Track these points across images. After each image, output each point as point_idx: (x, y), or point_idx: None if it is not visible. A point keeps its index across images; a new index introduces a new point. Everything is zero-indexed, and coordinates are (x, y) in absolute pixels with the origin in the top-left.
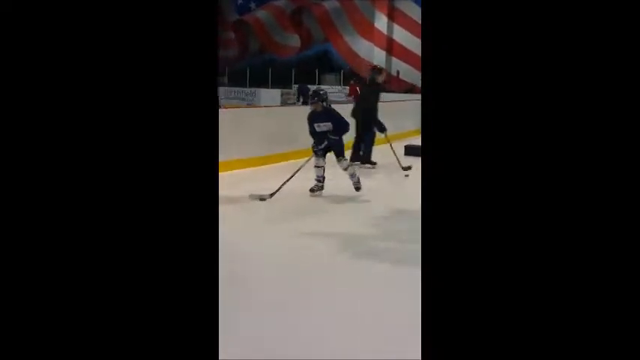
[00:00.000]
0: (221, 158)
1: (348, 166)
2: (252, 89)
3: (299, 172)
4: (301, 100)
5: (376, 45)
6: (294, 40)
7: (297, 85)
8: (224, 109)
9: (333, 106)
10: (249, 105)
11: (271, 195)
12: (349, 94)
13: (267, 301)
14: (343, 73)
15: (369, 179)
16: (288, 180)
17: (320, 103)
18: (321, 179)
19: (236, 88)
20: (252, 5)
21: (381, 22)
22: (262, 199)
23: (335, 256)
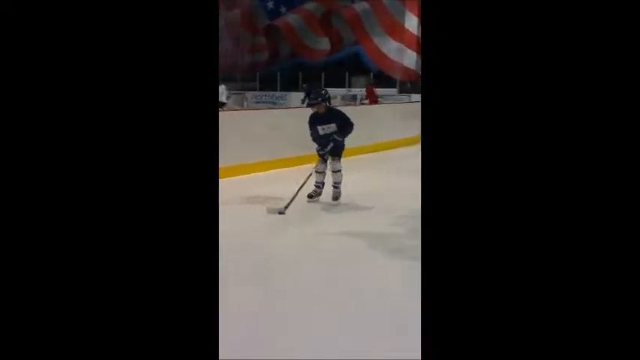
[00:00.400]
0: (251, 160)
1: (339, 170)
2: (283, 93)
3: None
4: (306, 102)
5: (406, 46)
6: (324, 43)
7: (305, 85)
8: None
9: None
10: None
11: (286, 207)
12: (365, 98)
13: (266, 300)
14: (373, 75)
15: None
16: (299, 189)
17: (323, 104)
18: (320, 185)
19: (267, 92)
20: (283, 9)
21: (411, 23)
22: (281, 212)
23: (339, 254)
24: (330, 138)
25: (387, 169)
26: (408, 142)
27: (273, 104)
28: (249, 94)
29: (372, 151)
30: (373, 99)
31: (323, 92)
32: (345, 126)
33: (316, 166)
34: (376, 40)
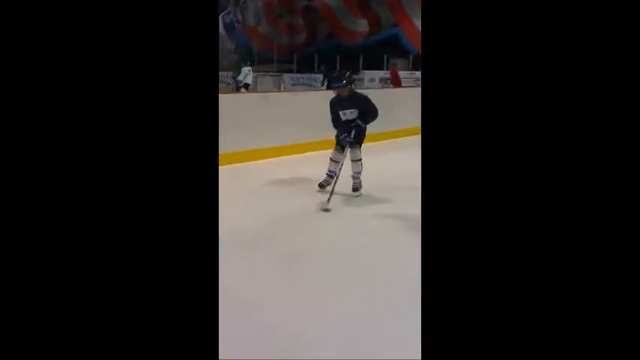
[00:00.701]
0: (283, 143)
1: (360, 159)
2: (320, 75)
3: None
4: (325, 83)
5: None
6: (363, 25)
7: (322, 67)
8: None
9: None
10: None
11: (329, 202)
12: (390, 80)
13: (263, 299)
14: (412, 57)
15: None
16: (336, 181)
17: (348, 86)
18: (333, 174)
19: (304, 75)
20: None
21: None
22: (326, 209)
23: (340, 250)
24: (353, 124)
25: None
26: None
27: (310, 86)
28: (286, 77)
29: (411, 135)
30: (397, 82)
31: (347, 74)
32: (369, 112)
33: (333, 153)
34: (416, 22)
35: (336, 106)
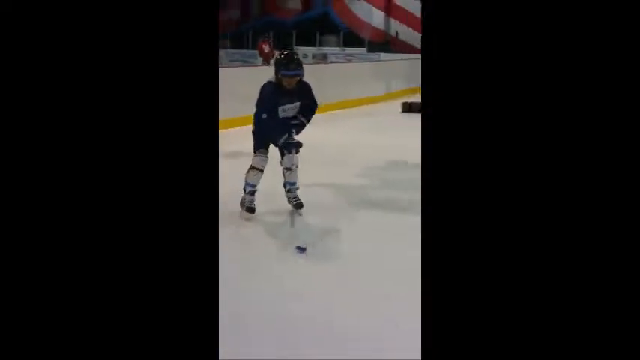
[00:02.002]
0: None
1: (297, 166)
2: (254, 51)
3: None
4: (281, 72)
5: (375, 6)
6: (295, 3)
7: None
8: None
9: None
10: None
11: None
12: (260, 55)
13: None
14: (343, 34)
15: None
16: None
17: (299, 76)
18: (255, 190)
19: (239, 51)
20: None
21: None
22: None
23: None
24: (295, 122)
25: (362, 126)
26: (378, 99)
27: (244, 62)
28: (222, 52)
29: (344, 108)
30: (266, 56)
31: (297, 58)
32: (312, 106)
33: (257, 160)
34: (346, 0)
35: (273, 99)
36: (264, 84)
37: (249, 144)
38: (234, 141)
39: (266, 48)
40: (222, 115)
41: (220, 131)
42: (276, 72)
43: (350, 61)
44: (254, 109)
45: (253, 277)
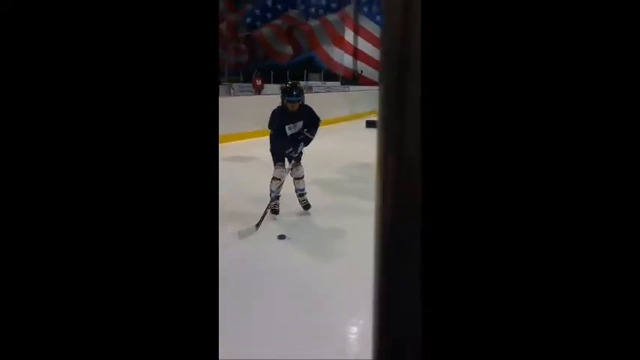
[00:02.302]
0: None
1: (303, 176)
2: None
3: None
4: (286, 98)
5: (346, 52)
6: (289, 50)
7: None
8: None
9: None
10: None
11: (257, 225)
12: (253, 87)
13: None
14: (324, 72)
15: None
16: (269, 206)
17: (300, 101)
18: (279, 196)
19: (247, 84)
20: (258, 24)
21: (349, 36)
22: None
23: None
24: (300, 137)
25: (338, 138)
26: (349, 119)
27: (251, 92)
28: (235, 85)
29: (325, 125)
30: (257, 87)
31: (299, 87)
32: (314, 122)
33: (278, 171)
34: (325, 48)
35: (281, 120)
36: (274, 109)
37: (254, 151)
38: (243, 149)
39: (258, 81)
40: (234, 130)
41: (232, 142)
42: (282, 98)
43: (329, 91)
44: (257, 127)
45: (253, 276)
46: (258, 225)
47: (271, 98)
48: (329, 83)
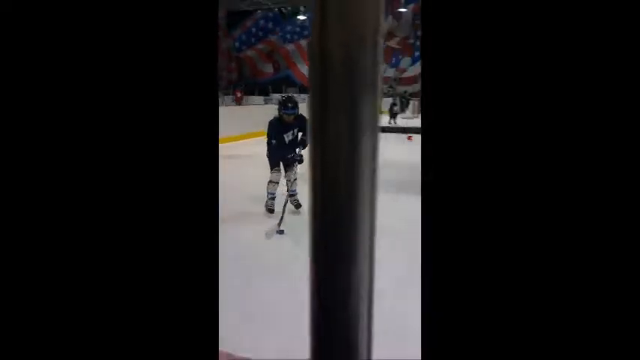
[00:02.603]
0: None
1: (296, 178)
2: (247, 97)
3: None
4: (283, 111)
5: None
6: (270, 68)
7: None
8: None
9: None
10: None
11: (279, 224)
12: (235, 99)
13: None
14: (298, 87)
15: None
16: (285, 204)
17: (295, 113)
18: (274, 196)
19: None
20: (244, 48)
21: None
22: (279, 232)
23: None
24: (299, 140)
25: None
26: None
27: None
28: (227, 98)
29: None
30: (238, 99)
31: (294, 101)
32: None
33: (274, 175)
34: (299, 67)
35: (279, 130)
36: (271, 120)
37: (250, 149)
38: (240, 148)
39: (239, 94)
40: (236, 132)
41: (231, 142)
42: (279, 110)
43: (304, 101)
44: (246, 130)
45: (253, 276)
46: (279, 224)
47: (248, 108)
48: (303, 95)
